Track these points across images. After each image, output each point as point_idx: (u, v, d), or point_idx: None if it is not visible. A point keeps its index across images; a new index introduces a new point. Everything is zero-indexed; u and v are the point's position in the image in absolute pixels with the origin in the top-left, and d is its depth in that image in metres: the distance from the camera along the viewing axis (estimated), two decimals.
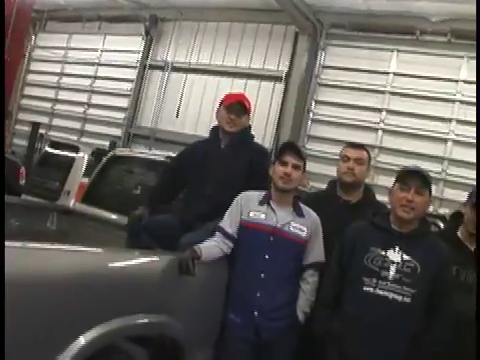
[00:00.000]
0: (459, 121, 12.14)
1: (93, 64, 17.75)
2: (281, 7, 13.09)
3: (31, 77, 19.24)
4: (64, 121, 17.85)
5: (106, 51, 17.60)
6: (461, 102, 12.17)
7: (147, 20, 16.49)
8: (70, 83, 18.06)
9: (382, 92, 13.07)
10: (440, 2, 11.75)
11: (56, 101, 18.30)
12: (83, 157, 7.74)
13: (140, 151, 7.31)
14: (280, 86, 14.19)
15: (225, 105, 4.53)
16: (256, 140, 4.83)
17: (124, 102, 16.79)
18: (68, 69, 18.30)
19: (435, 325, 3.61)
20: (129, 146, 15.11)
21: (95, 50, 17.76)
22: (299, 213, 4.03)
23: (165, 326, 3.47)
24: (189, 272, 3.51)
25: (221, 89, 14.10)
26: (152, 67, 16.58)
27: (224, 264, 4.01)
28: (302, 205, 4.11)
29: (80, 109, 17.64)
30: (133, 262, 3.47)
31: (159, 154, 6.43)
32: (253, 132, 4.71)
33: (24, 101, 18.94)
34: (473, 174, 10.46)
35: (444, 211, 9.51)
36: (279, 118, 14.00)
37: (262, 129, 13.58)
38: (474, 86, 11.75)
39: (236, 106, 4.49)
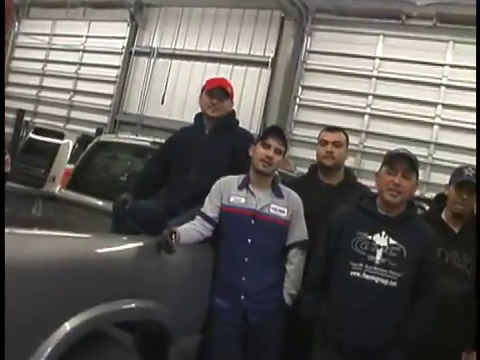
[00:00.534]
0: (445, 105, 12.19)
1: (78, 51, 17.62)
2: None
3: (15, 64, 19.06)
4: (50, 108, 17.76)
5: (91, 37, 17.48)
6: (447, 86, 12.21)
7: (132, 6, 16.39)
8: (55, 70, 17.94)
9: (368, 77, 13.09)
10: None
11: (41, 88, 18.20)
12: (68, 143, 7.71)
13: (125, 137, 7.26)
14: (266, 72, 14.18)
15: (207, 90, 4.53)
16: (243, 126, 4.81)
17: (110, 89, 16.73)
18: (53, 56, 18.17)
19: (421, 307, 3.64)
20: (115, 133, 15.04)
21: (80, 36, 17.62)
22: (278, 194, 4.03)
23: (151, 312, 3.45)
24: (168, 248, 3.50)
25: (207, 75, 13.96)
26: (138, 53, 16.50)
27: (210, 250, 4.00)
28: (281, 186, 4.13)
29: (66, 96, 17.55)
30: (119, 247, 3.42)
31: (144, 140, 6.40)
32: (240, 118, 4.71)
33: (9, 88, 18.71)
34: (459, 158, 10.58)
35: (431, 195, 9.54)
36: (266, 104, 13.99)
37: (249, 115, 13.59)
38: (459, 70, 11.83)
39: (218, 91, 4.48)
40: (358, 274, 3.60)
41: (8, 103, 18.11)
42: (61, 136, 8.07)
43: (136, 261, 3.40)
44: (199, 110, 4.69)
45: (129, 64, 16.53)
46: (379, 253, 3.59)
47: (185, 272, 3.74)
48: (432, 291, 3.66)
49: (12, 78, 18.92)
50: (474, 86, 11.43)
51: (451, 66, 12.21)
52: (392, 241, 3.60)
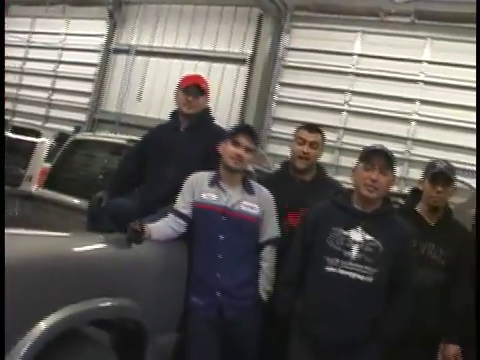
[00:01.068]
0: (423, 101, 12.22)
1: (57, 48, 17.48)
2: None
3: None
4: (28, 106, 17.58)
5: (70, 35, 17.30)
6: (424, 82, 12.23)
7: (111, 3, 16.22)
8: (34, 68, 17.79)
9: (346, 73, 13.08)
10: None
11: (20, 86, 18.03)
12: (44, 142, 7.66)
13: (102, 135, 7.24)
14: (245, 69, 14.13)
15: (182, 88, 4.56)
16: (221, 123, 4.81)
17: (88, 87, 16.57)
18: (31, 54, 18.02)
19: (397, 301, 3.67)
20: (94, 131, 14.94)
21: (59, 34, 17.48)
22: (249, 191, 4.03)
23: (127, 310, 3.45)
24: (137, 238, 3.52)
25: (185, 72, 13.81)
26: (116, 51, 16.36)
27: (185, 247, 4.00)
28: (253, 182, 4.14)
29: (44, 94, 17.42)
30: (93, 246, 3.43)
31: (121, 137, 6.39)
32: (218, 115, 4.71)
33: None
34: (437, 154, 10.59)
35: (408, 191, 9.58)
36: (244, 101, 13.95)
37: (227, 112, 13.53)
38: (437, 67, 11.88)
39: (193, 88, 4.50)
40: (334, 270, 3.61)
41: None
42: (38, 134, 8.02)
43: (111, 259, 3.40)
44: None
45: (108, 62, 16.41)
46: (355, 249, 3.61)
47: (161, 270, 3.74)
48: (409, 285, 3.69)
49: None
50: (451, 82, 11.54)
51: (429, 63, 12.24)
52: (368, 237, 3.62)
